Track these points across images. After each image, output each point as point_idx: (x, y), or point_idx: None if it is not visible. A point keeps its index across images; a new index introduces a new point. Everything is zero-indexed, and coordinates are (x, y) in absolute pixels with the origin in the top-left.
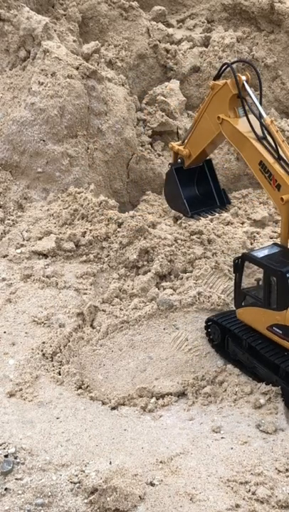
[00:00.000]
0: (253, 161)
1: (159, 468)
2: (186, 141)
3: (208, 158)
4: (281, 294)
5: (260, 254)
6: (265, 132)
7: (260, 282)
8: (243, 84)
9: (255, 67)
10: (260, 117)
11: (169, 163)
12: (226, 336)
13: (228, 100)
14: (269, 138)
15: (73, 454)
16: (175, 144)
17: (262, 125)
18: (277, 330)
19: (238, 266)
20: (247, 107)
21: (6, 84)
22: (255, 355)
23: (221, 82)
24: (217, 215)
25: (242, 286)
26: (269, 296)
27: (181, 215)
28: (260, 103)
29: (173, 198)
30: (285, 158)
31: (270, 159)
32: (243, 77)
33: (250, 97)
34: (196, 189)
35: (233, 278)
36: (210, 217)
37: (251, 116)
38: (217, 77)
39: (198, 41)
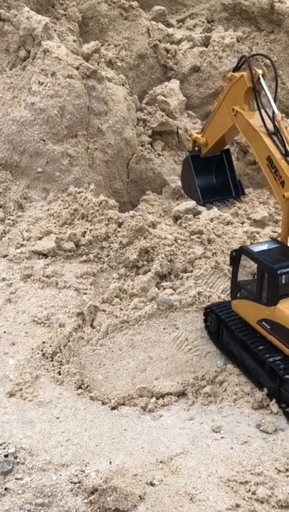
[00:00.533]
0: (261, 155)
1: (159, 468)
2: (204, 129)
3: (226, 148)
4: (271, 290)
5: (258, 248)
6: (277, 127)
7: (252, 275)
8: (259, 78)
9: (273, 62)
10: (272, 112)
11: (188, 150)
12: (221, 326)
13: (243, 93)
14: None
15: (73, 454)
16: (194, 132)
17: (272, 120)
18: (266, 325)
19: (235, 258)
20: (259, 101)
21: (6, 84)
22: (245, 347)
23: (238, 74)
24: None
25: (238, 279)
26: (261, 291)
27: (193, 202)
28: (275, 99)
29: (188, 185)
30: None
31: (277, 155)
32: (260, 71)
33: (264, 91)
34: (214, 178)
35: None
36: (222, 206)
37: (264, 111)
38: (236, 69)
39: (198, 41)
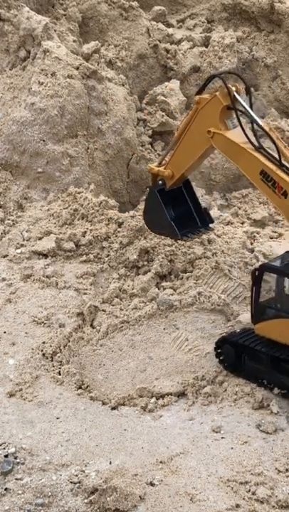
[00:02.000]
0: (252, 171)
1: (159, 468)
2: (165, 161)
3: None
4: None
5: (277, 263)
6: (260, 141)
7: (280, 292)
8: (234, 94)
9: (243, 78)
10: (255, 126)
11: (147, 187)
12: (242, 355)
13: (218, 113)
14: (265, 146)
15: (73, 454)
16: (153, 166)
17: (256, 134)
18: None
19: (257, 278)
20: (241, 117)
21: (6, 84)
22: (282, 369)
23: (206, 95)
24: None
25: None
26: None
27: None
28: (252, 109)
29: (157, 222)
30: (287, 165)
31: (272, 167)
32: (233, 88)
33: (243, 106)
34: (172, 211)
35: (250, 289)
36: (196, 237)
37: (245, 127)
38: (201, 91)
39: (198, 41)
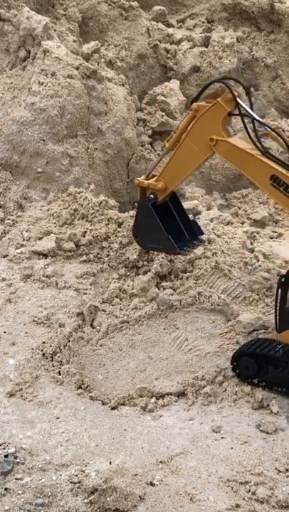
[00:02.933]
0: (261, 176)
1: (159, 468)
2: (152, 174)
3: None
4: None
5: None
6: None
7: None
8: (238, 100)
9: (240, 81)
10: (262, 129)
11: (135, 201)
12: (265, 366)
13: (221, 120)
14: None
15: (73, 454)
16: (142, 179)
17: (258, 139)
18: None
19: (284, 284)
20: (246, 122)
21: (6, 84)
22: None
23: (204, 103)
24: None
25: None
26: None
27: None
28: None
29: (151, 237)
30: None
31: (283, 170)
32: (235, 93)
33: (247, 111)
34: (170, 223)
35: (274, 296)
36: (193, 250)
37: (251, 131)
38: (197, 98)
39: (198, 41)
